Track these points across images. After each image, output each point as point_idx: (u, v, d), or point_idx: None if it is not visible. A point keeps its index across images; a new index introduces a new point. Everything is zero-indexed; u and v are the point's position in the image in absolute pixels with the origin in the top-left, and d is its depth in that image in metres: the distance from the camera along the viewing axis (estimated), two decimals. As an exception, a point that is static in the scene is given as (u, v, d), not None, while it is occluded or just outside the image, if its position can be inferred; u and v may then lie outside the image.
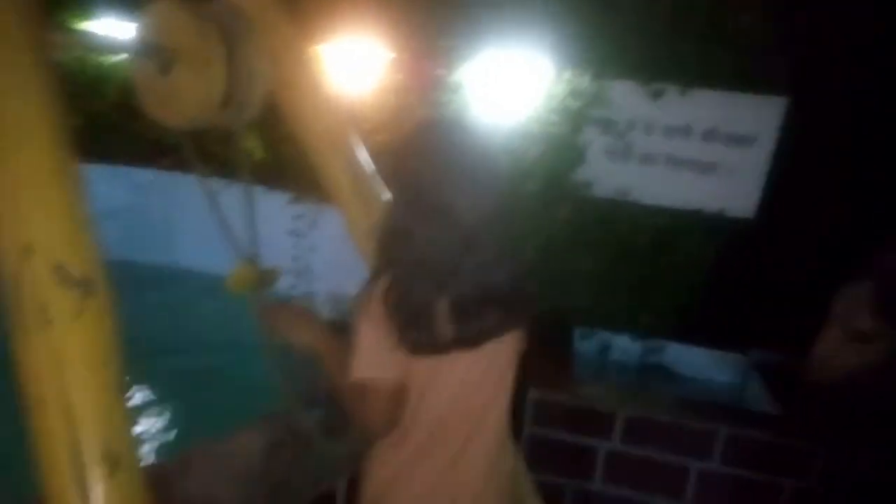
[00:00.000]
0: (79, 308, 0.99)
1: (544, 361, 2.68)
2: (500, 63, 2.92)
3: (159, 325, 3.61)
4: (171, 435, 3.13)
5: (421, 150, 1.19)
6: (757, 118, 2.74)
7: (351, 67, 3.44)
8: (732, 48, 2.64)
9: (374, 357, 1.14)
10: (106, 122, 4.22)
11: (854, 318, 2.51)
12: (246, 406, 1.84)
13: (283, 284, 2.25)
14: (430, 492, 1.27)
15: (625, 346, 3.03)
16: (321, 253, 3.78)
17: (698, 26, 2.65)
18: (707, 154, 2.83)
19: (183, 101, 1.30)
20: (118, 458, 1.00)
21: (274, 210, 3.58)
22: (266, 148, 3.72)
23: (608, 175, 2.94)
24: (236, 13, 1.40)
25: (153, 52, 1.31)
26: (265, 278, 1.47)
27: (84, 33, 3.91)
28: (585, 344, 3.04)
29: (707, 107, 2.77)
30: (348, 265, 1.63)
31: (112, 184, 4.46)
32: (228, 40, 1.31)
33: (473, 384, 1.25)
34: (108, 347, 1.02)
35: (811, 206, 2.80)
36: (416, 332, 1.12)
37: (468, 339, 1.17)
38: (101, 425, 1.00)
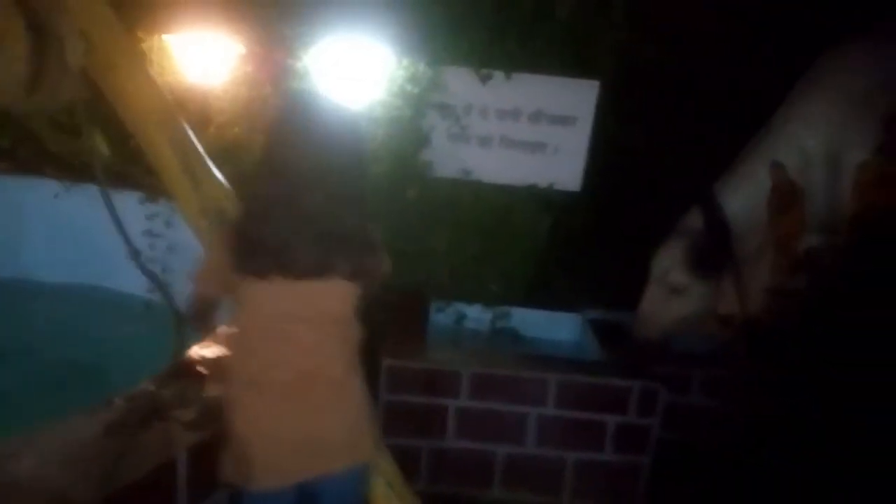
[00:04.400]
0: None
1: (399, 334, 2.84)
2: (345, 50, 3.02)
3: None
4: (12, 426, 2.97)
5: (273, 118, 1.49)
6: (576, 101, 3.05)
7: (202, 60, 3.39)
8: (552, 36, 2.91)
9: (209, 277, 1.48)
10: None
11: (668, 274, 2.88)
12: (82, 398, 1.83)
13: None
14: (276, 424, 1.44)
15: (477, 315, 3.25)
16: (180, 252, 3.68)
17: (522, 15, 2.89)
18: (535, 134, 3.11)
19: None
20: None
21: (126, 210, 3.43)
22: (112, 146, 3.56)
23: (451, 156, 3.13)
24: (44, -3, 1.40)
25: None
26: None
27: None
28: (442, 316, 3.24)
29: (531, 91, 3.03)
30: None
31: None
32: (34, 24, 1.31)
33: (302, 323, 1.44)
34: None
35: (630, 177, 3.16)
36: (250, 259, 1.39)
37: (287, 268, 1.39)
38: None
